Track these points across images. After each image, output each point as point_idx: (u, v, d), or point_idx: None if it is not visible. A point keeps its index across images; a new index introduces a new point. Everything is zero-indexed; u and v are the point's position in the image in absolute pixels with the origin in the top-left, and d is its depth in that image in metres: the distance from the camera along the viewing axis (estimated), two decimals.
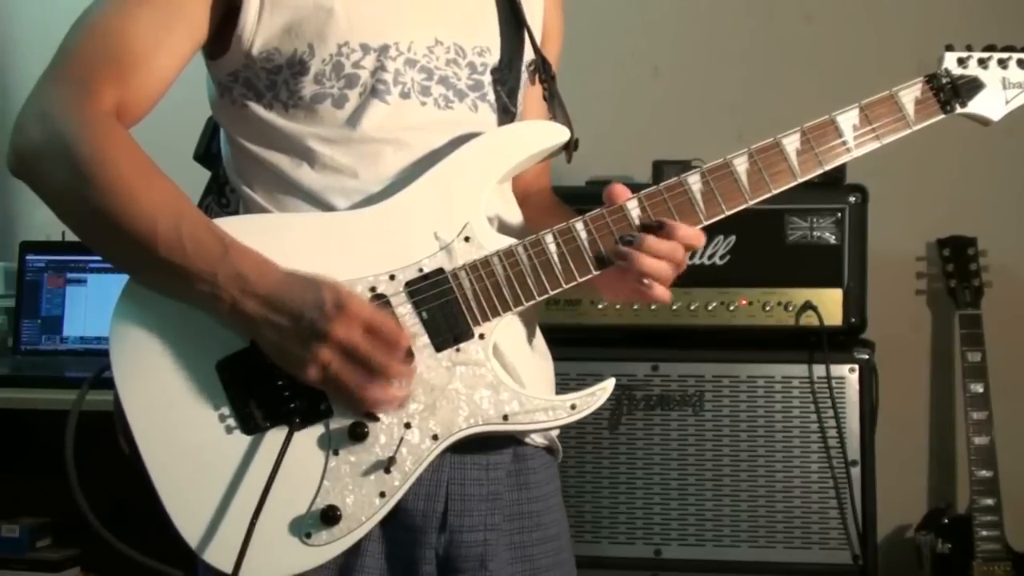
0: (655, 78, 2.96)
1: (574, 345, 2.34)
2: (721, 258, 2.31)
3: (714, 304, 2.32)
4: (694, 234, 1.34)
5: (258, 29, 1.31)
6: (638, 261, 1.31)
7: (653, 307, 2.34)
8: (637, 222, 1.34)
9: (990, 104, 1.42)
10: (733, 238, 2.31)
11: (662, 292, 1.35)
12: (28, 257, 2.89)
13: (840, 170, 2.33)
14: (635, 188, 1.37)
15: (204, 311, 1.25)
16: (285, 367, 1.24)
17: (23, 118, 1.27)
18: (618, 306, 2.35)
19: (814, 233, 2.31)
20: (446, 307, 1.29)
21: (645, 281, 1.33)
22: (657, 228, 1.33)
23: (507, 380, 1.30)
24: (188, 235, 1.23)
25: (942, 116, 1.42)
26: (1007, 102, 1.43)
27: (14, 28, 3.13)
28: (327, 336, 1.20)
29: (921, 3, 2.84)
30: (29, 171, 1.27)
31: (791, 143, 1.37)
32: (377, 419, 1.26)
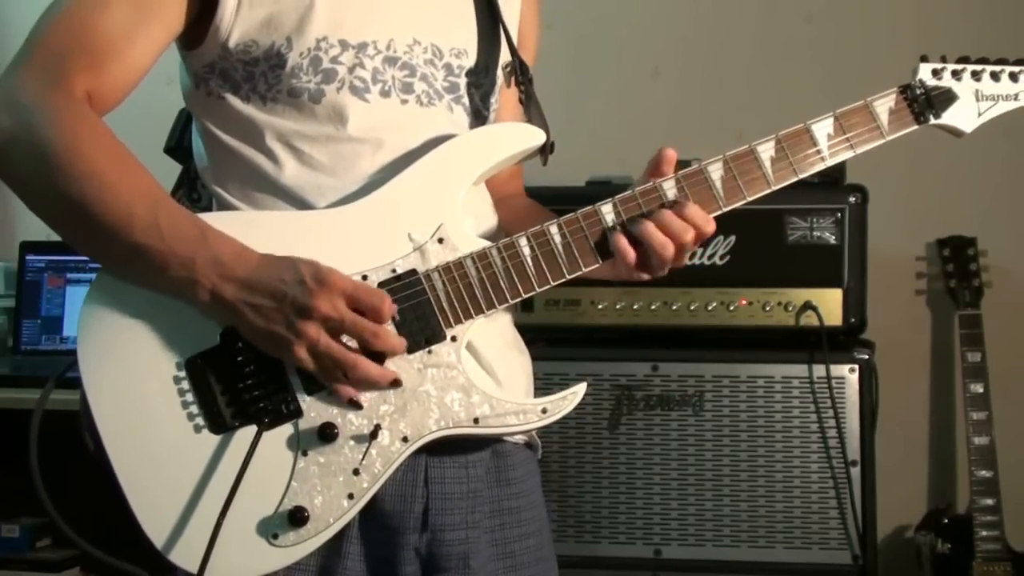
0: (655, 78, 2.96)
1: (574, 345, 2.35)
2: (721, 258, 2.31)
3: (714, 304, 2.32)
4: (703, 216, 1.33)
5: (236, 21, 1.30)
6: (651, 237, 1.31)
7: (653, 307, 2.34)
8: (611, 226, 1.33)
9: (963, 116, 1.42)
10: (733, 238, 2.31)
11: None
12: (28, 257, 2.90)
13: (840, 170, 2.34)
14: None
15: (182, 299, 1.24)
16: (271, 351, 1.24)
17: None
18: (618, 306, 2.34)
19: (814, 233, 2.31)
20: (418, 309, 1.28)
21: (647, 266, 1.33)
22: (671, 205, 1.32)
23: (479, 383, 1.30)
24: (165, 219, 1.22)
25: (916, 127, 1.41)
26: (980, 114, 1.42)
27: (6, 26, 3.14)
28: (311, 311, 1.20)
29: (920, 3, 2.84)
30: None
31: (765, 151, 1.37)
32: (361, 407, 1.25)
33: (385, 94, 1.34)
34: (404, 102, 1.35)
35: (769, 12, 2.92)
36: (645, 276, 1.36)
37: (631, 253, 1.32)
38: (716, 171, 1.36)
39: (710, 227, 1.34)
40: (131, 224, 1.21)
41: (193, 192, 1.42)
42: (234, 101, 1.33)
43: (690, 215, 1.32)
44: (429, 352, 1.28)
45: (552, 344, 2.29)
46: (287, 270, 1.22)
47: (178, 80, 1.41)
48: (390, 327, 1.27)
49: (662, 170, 1.35)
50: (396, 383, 1.26)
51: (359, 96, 1.32)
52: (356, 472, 1.25)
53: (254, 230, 1.28)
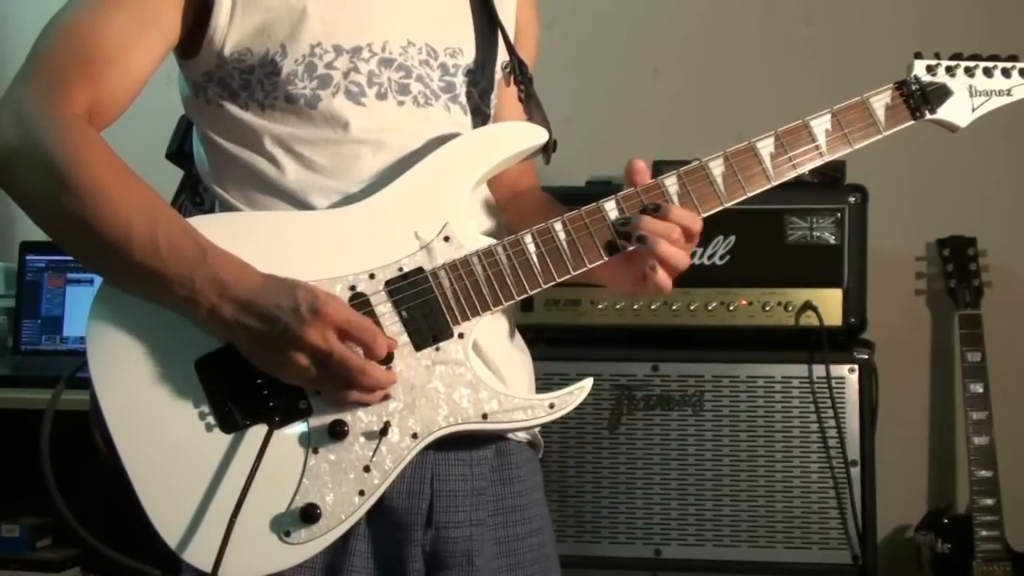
0: (655, 78, 2.96)
1: (574, 345, 2.35)
2: (721, 258, 2.31)
3: (714, 304, 2.32)
4: (690, 216, 1.33)
5: (230, 30, 1.31)
6: (651, 240, 1.30)
7: (653, 307, 2.34)
8: (613, 228, 1.34)
9: (958, 111, 1.44)
10: (733, 238, 2.31)
11: (665, 279, 1.33)
12: (28, 257, 2.90)
13: (840, 170, 2.34)
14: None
15: (184, 314, 1.25)
16: (268, 371, 1.25)
17: None
18: (618, 306, 2.35)
19: (814, 233, 2.31)
20: (426, 306, 1.29)
21: (651, 263, 1.32)
22: (653, 210, 1.33)
23: (486, 379, 1.31)
24: (164, 238, 1.22)
25: (912, 122, 1.43)
26: (974, 109, 1.45)
27: (10, 26, 3.14)
28: (301, 341, 1.20)
29: (920, 4, 2.84)
30: (1, 173, 1.26)
31: (765, 147, 1.38)
32: (368, 403, 1.26)
33: (382, 96, 1.34)
34: (401, 103, 1.35)
35: (768, 13, 2.92)
36: (660, 282, 1.33)
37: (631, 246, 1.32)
38: (717, 167, 1.37)
39: (697, 226, 1.34)
40: (129, 239, 1.22)
41: (196, 196, 1.43)
42: (232, 109, 1.34)
43: (675, 216, 1.32)
44: (437, 349, 1.29)
45: (552, 344, 2.29)
46: (285, 296, 1.22)
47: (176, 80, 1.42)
48: (396, 327, 1.27)
49: (634, 180, 1.35)
50: (386, 398, 1.26)
51: (354, 101, 1.33)
52: (367, 469, 1.26)
53: (257, 231, 1.29)
